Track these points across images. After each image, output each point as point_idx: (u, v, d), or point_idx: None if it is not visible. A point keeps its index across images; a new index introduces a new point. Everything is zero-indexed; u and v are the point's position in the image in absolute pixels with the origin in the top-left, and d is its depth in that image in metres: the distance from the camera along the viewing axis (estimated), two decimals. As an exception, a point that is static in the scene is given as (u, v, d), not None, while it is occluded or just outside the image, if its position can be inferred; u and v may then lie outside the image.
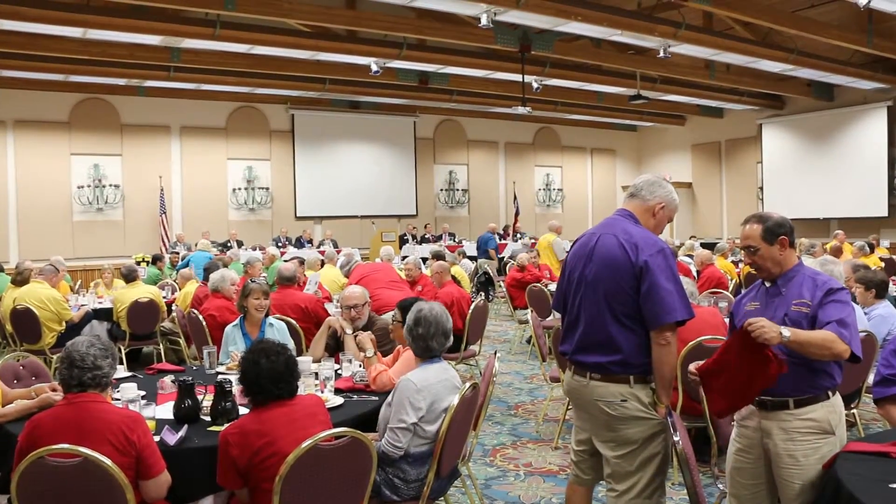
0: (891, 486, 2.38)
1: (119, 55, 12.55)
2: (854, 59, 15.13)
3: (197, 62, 13.34)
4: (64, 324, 7.92)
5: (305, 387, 3.89)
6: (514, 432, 6.11)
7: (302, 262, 9.67)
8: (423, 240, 17.87)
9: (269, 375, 3.02)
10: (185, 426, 3.30)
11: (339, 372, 4.41)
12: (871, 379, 4.02)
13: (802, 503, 2.90)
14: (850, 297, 3.01)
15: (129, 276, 8.51)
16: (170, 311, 8.68)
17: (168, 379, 4.15)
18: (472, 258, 15.61)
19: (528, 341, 9.66)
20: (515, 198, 21.13)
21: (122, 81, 15.17)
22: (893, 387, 3.40)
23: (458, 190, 21.24)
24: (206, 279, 8.08)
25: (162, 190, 16.62)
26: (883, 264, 11.46)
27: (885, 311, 5.46)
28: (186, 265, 11.06)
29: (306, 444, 2.82)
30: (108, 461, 2.72)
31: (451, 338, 3.74)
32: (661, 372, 3.12)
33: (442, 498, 3.77)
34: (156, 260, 12.50)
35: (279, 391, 3.04)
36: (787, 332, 2.79)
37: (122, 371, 4.59)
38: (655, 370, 3.13)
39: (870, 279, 5.60)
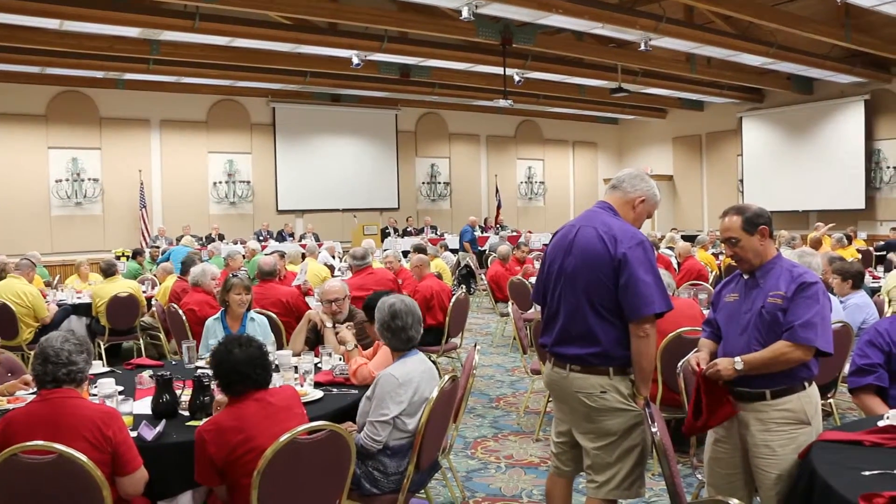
0: (864, 473, 2.40)
1: (97, 47, 12.43)
2: (833, 53, 15.25)
3: (177, 55, 13.25)
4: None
5: (285, 380, 3.87)
6: (495, 425, 6.13)
7: (283, 255, 9.64)
8: (405, 233, 17.85)
9: (246, 361, 3.00)
10: (163, 421, 3.28)
11: (318, 365, 4.40)
12: (847, 369, 4.06)
13: (778, 492, 2.93)
14: (822, 291, 3.04)
15: (109, 271, 8.44)
16: (150, 305, 8.62)
17: (146, 374, 4.12)
18: (454, 251, 15.64)
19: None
20: (497, 191, 21.18)
21: (100, 74, 15.02)
22: (868, 376, 3.44)
23: (439, 183, 21.24)
24: (184, 273, 8.04)
25: (142, 184, 16.51)
26: (860, 256, 11.57)
27: (860, 301, 5.53)
28: (167, 259, 10.99)
29: (284, 437, 2.81)
30: (83, 457, 2.68)
31: None
32: (640, 364, 3.14)
33: (422, 490, 3.78)
34: (136, 254, 12.43)
35: (257, 376, 3.02)
36: (739, 364, 2.96)
37: (99, 366, 4.56)
38: (634, 362, 3.14)
39: (847, 270, 5.66)
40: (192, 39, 12.41)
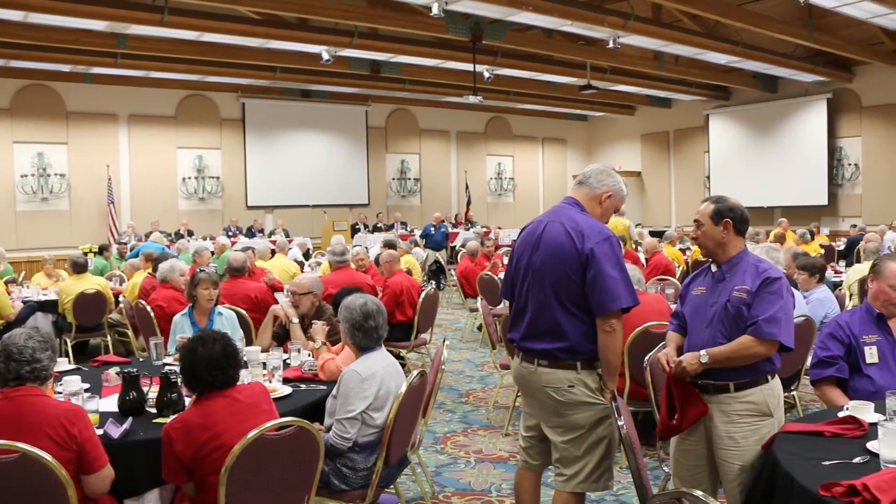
0: (824, 463, 2.46)
1: (63, 40, 12.25)
2: (796, 52, 15.49)
3: (144, 49, 13.10)
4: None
5: (253, 376, 3.87)
6: (464, 420, 6.15)
7: (252, 251, 9.55)
8: (376, 229, 17.82)
9: (205, 363, 2.97)
10: (130, 419, 3.25)
11: (287, 361, 4.39)
12: (809, 361, 4.14)
13: (741, 483, 2.98)
14: (786, 287, 3.09)
15: (77, 268, 8.33)
16: (117, 302, 8.53)
17: (113, 371, 4.08)
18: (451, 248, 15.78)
19: (480, 329, 9.71)
20: (467, 187, 21.22)
21: (66, 68, 14.82)
22: (829, 368, 3.52)
23: (409, 179, 21.23)
24: (153, 270, 7.96)
25: (110, 179, 16.32)
26: (823, 251, 11.79)
27: (822, 295, 5.63)
28: (136, 255, 10.86)
29: (252, 434, 2.80)
30: (47, 456, 2.64)
31: None
32: (606, 358, 3.17)
33: (392, 486, 3.79)
34: (102, 250, 12.26)
35: (213, 379, 2.98)
36: (704, 357, 3.01)
37: (65, 364, 4.51)
38: (601, 357, 3.17)
39: (811, 265, 5.77)
40: (160, 33, 12.29)
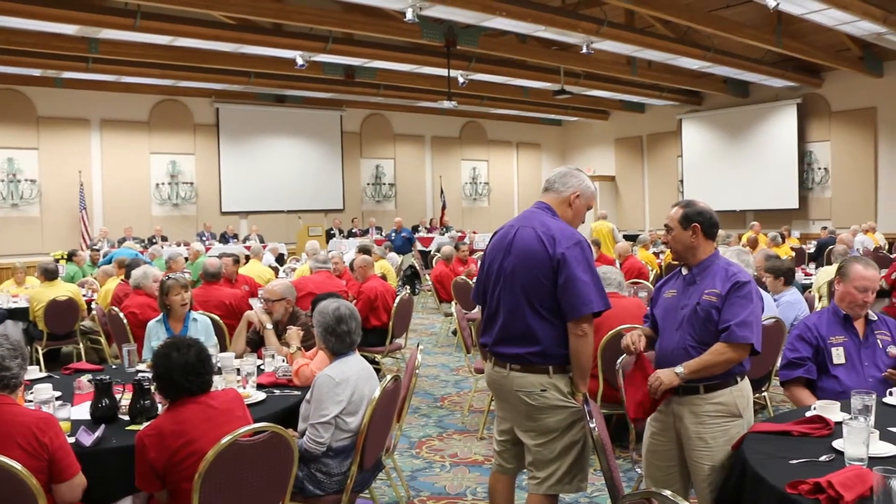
0: (791, 462, 2.50)
1: (33, 44, 12.09)
2: (766, 58, 15.69)
3: (117, 53, 12.98)
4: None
5: (227, 382, 3.85)
6: (440, 424, 6.17)
7: (237, 260, 8.82)
8: (351, 234, 17.79)
9: (180, 368, 2.97)
10: (102, 426, 3.23)
11: (261, 367, 4.38)
12: (779, 363, 4.20)
13: (711, 483, 3.02)
14: (755, 290, 3.14)
15: (48, 275, 8.24)
16: (90, 309, 8.44)
17: (85, 378, 4.04)
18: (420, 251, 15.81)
19: (454, 333, 9.73)
20: (442, 192, 21.23)
21: (37, 72, 14.64)
22: (798, 369, 3.58)
23: (384, 184, 21.21)
24: (126, 277, 7.89)
25: (82, 185, 16.14)
26: (794, 254, 11.94)
27: (792, 298, 5.70)
28: (109, 262, 10.74)
29: (225, 440, 2.79)
30: (17, 465, 2.62)
31: None
32: (578, 362, 3.19)
33: (367, 490, 3.79)
34: (71, 256, 12.10)
35: (189, 384, 2.98)
36: (679, 369, 3.04)
37: (36, 372, 4.47)
38: (573, 360, 3.19)
39: (778, 268, 5.83)
40: (132, 38, 12.18)
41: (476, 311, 7.54)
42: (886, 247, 13.55)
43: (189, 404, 2.99)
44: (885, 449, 2.60)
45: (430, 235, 17.77)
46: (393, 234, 16.42)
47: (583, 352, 3.17)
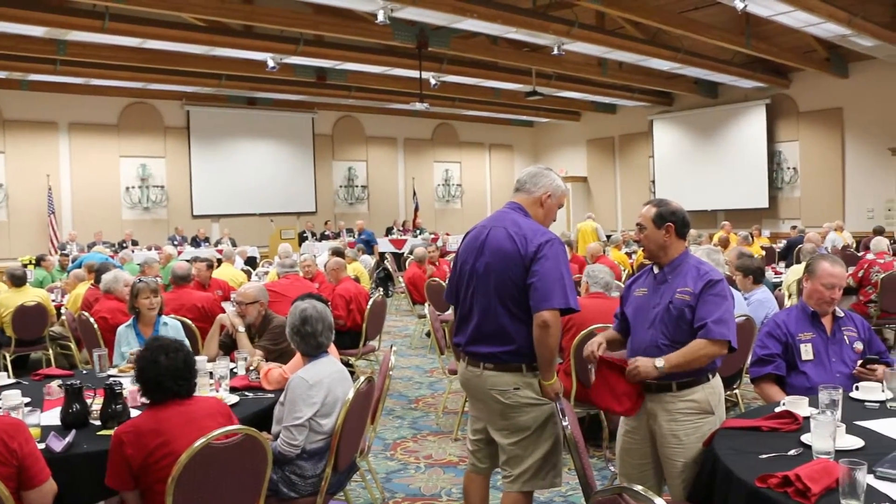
0: (761, 457, 2.54)
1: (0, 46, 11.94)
2: (735, 59, 15.89)
3: (85, 55, 12.83)
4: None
5: (200, 386, 3.82)
6: (414, 425, 6.17)
7: (210, 265, 8.59)
8: (323, 237, 17.73)
9: (170, 373, 2.96)
10: (73, 431, 3.19)
11: (234, 370, 4.36)
12: (749, 360, 4.25)
13: (684, 479, 3.05)
14: (727, 288, 3.18)
15: (16, 280, 8.12)
16: (59, 314, 8.33)
17: (55, 384, 4.00)
18: (381, 254, 15.79)
19: (428, 335, 9.73)
20: (415, 193, 21.24)
21: (2, 74, 14.43)
22: (767, 366, 3.62)
23: (357, 186, 21.17)
24: (96, 281, 7.80)
25: (50, 189, 15.94)
26: (764, 253, 12.08)
27: (762, 297, 5.78)
28: (79, 266, 10.60)
29: (199, 442, 2.77)
30: (-14, 472, 2.59)
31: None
32: (540, 352, 3.18)
33: (342, 492, 3.79)
34: (39, 260, 11.92)
35: (178, 388, 2.98)
36: (659, 362, 3.02)
37: (4, 378, 4.41)
38: (536, 351, 3.19)
39: (747, 266, 5.91)
40: (101, 40, 12.04)
41: (449, 313, 7.56)
42: (854, 245, 13.75)
43: (171, 406, 2.98)
44: (851, 442, 2.64)
45: (403, 237, 17.75)
46: (354, 237, 16.44)
47: (545, 343, 3.15)
